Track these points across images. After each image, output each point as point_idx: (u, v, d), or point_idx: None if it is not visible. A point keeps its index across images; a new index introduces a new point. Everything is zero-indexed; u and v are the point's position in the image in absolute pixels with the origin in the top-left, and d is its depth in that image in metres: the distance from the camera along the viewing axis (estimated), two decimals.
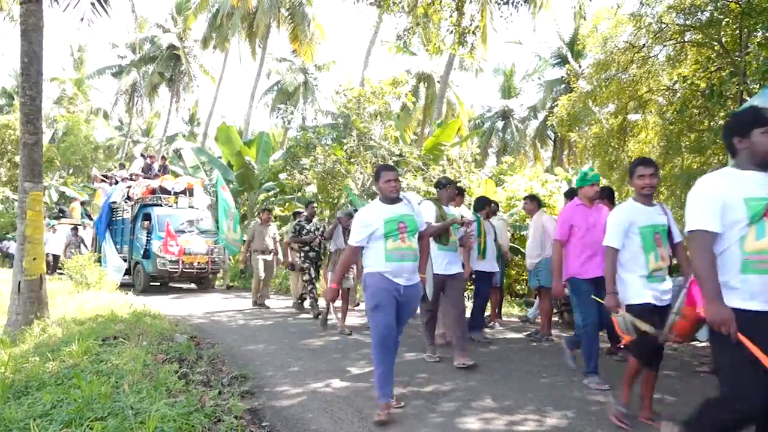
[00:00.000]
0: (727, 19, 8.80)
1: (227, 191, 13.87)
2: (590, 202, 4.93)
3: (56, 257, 18.04)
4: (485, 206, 7.36)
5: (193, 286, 14.46)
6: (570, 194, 6.71)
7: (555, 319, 8.13)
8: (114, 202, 14.97)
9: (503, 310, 9.20)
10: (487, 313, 8.35)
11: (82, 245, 16.80)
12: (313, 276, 8.99)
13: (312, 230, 9.06)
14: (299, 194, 16.60)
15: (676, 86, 10.22)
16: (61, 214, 21.90)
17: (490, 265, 7.06)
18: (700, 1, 9.12)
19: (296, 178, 15.70)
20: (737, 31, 8.80)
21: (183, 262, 12.47)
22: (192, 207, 14.21)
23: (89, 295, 10.13)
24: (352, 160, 14.18)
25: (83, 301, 9.35)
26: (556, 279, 4.95)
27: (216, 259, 13.15)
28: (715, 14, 8.96)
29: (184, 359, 5.24)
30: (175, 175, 18.51)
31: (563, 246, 4.90)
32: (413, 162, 13.91)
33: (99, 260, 14.74)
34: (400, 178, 13.75)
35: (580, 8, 12.30)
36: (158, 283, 13.63)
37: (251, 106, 29.12)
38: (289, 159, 16.74)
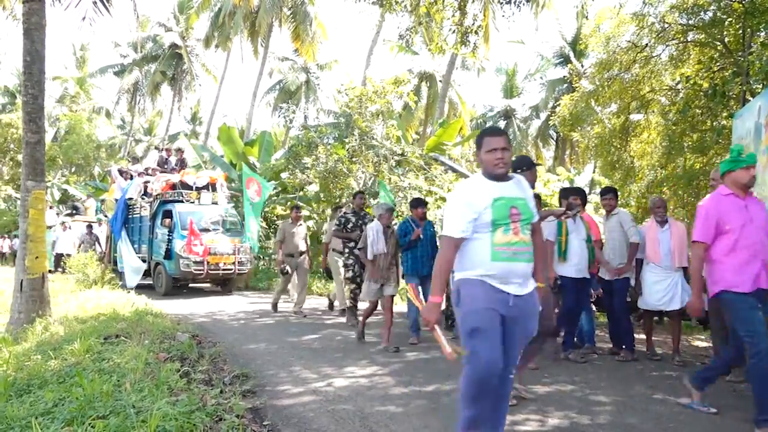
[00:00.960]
0: (730, 19, 8.80)
1: (254, 185, 12.87)
2: (744, 191, 3.76)
3: (66, 256, 17.42)
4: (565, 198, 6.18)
5: (206, 287, 13.75)
6: (566, 194, 6.62)
7: None
8: (130, 199, 13.93)
9: None
10: None
11: (96, 244, 15.83)
12: (357, 274, 7.75)
13: (359, 225, 7.82)
14: (301, 193, 16.61)
15: (679, 86, 10.21)
16: (74, 212, 20.93)
17: (575, 269, 5.59)
18: (703, 1, 9.11)
19: (298, 177, 15.70)
20: (740, 31, 8.80)
21: (208, 262, 11.55)
22: (216, 203, 13.24)
23: (91, 294, 10.15)
24: (353, 159, 14.18)
25: (85, 299, 9.37)
26: (696, 293, 3.85)
27: (242, 260, 12.14)
28: (718, 14, 8.95)
29: (186, 358, 5.24)
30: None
31: (707, 249, 3.77)
32: (415, 161, 13.91)
33: (114, 260, 14.15)
34: (403, 177, 13.56)
35: (582, 8, 12.28)
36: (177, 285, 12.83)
37: (253, 105, 29.13)
38: (290, 158, 16.75)
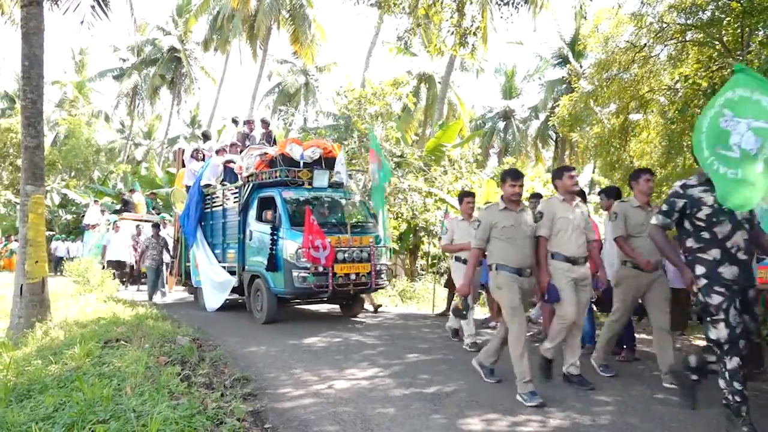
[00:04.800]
0: (728, 18, 8.81)
1: (375, 162, 8.96)
2: None
3: (121, 264, 14.50)
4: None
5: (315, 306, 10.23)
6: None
7: None
8: (207, 186, 10.20)
9: None
10: (488, 314, 8.35)
11: (165, 251, 11.61)
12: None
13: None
14: None
15: (678, 86, 10.22)
16: (123, 208, 16.84)
17: None
18: (702, 0, 9.12)
19: None
20: (739, 30, 8.81)
21: (335, 273, 7.88)
22: (338, 185, 9.09)
23: (92, 298, 10.14)
24: (353, 161, 14.18)
25: (85, 303, 9.36)
26: None
27: (380, 268, 8.48)
28: (716, 13, 8.96)
29: (186, 361, 5.24)
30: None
31: None
32: (415, 163, 13.91)
33: (186, 272, 10.86)
34: (402, 179, 13.51)
35: (580, 8, 12.33)
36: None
37: (252, 108, 29.17)
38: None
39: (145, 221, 15.03)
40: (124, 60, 37.22)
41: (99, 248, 16.07)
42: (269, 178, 8.71)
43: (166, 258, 11.58)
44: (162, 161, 33.83)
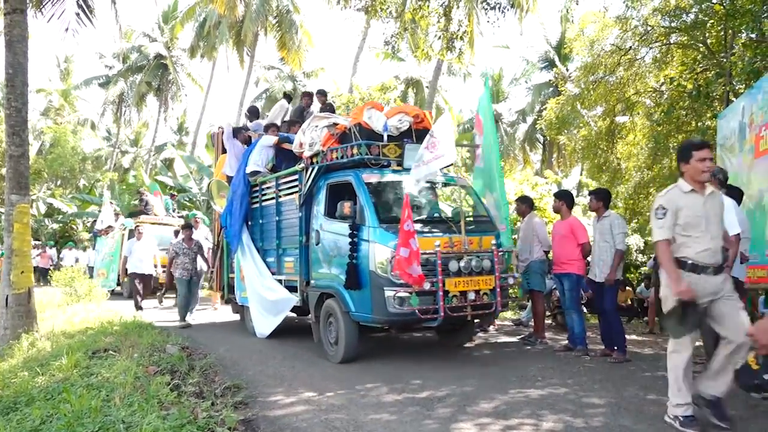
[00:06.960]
0: (711, 21, 8.94)
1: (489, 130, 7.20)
2: None
3: (145, 277, 11.39)
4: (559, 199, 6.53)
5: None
6: (560, 195, 6.67)
7: (548, 321, 8.14)
8: (254, 173, 7.88)
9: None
10: None
11: (199, 258, 9.25)
12: None
13: None
14: None
15: (663, 88, 10.34)
16: (143, 209, 14.54)
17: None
18: (685, 4, 9.24)
19: None
20: (722, 33, 8.94)
21: (446, 293, 5.39)
22: (437, 166, 5.81)
23: (79, 308, 10.03)
24: None
25: (73, 313, 9.26)
26: None
27: (507, 282, 6.02)
28: (700, 16, 9.10)
29: (176, 370, 5.19)
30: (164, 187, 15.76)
31: None
32: None
33: (230, 286, 8.71)
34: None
35: (566, 12, 12.45)
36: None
37: (240, 114, 29.06)
38: None
39: (166, 225, 13.31)
40: (109, 67, 36.99)
41: (114, 256, 13.89)
42: (342, 157, 6.28)
43: (200, 267, 9.39)
44: (149, 168, 33.60)
